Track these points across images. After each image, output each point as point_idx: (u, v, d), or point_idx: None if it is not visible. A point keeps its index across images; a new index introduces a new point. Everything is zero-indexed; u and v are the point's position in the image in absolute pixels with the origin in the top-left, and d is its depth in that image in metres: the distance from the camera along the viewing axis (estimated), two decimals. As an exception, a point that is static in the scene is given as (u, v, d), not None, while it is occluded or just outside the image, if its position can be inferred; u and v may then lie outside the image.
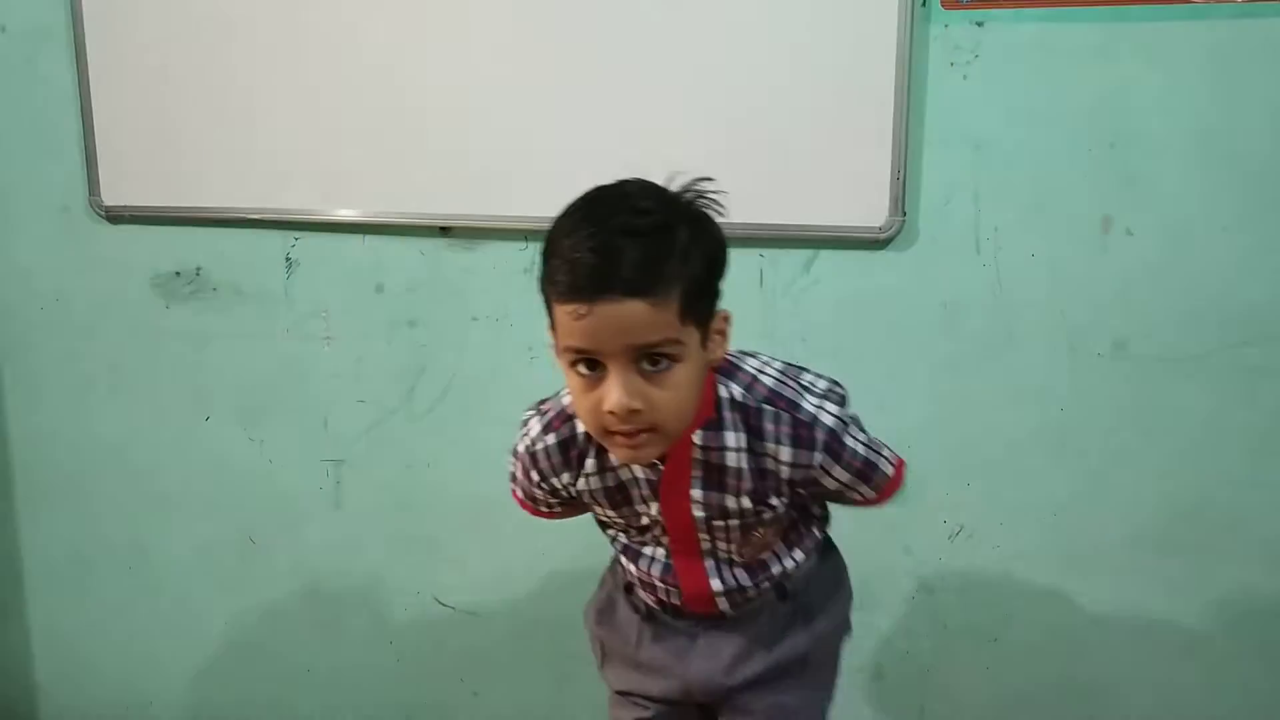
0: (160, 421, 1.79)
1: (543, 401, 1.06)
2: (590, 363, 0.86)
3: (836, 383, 1.01)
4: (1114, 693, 1.48)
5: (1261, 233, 1.31)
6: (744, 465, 0.97)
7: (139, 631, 1.89)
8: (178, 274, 1.73)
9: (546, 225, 1.54)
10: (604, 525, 1.09)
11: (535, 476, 1.04)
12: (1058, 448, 1.43)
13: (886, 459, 1.03)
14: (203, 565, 1.83)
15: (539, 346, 1.59)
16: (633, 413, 0.85)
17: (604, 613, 1.16)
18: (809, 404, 0.96)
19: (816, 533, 1.10)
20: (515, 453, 1.06)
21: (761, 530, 1.02)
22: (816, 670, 1.12)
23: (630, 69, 1.45)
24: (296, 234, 1.66)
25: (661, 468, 0.97)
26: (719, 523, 1.00)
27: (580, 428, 0.99)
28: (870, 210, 1.39)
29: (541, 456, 1.02)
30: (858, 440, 1.00)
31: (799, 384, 0.98)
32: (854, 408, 1.03)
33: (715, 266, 0.91)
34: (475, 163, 1.53)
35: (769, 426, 0.96)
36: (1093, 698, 1.48)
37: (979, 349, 1.42)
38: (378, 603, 1.76)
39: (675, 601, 1.07)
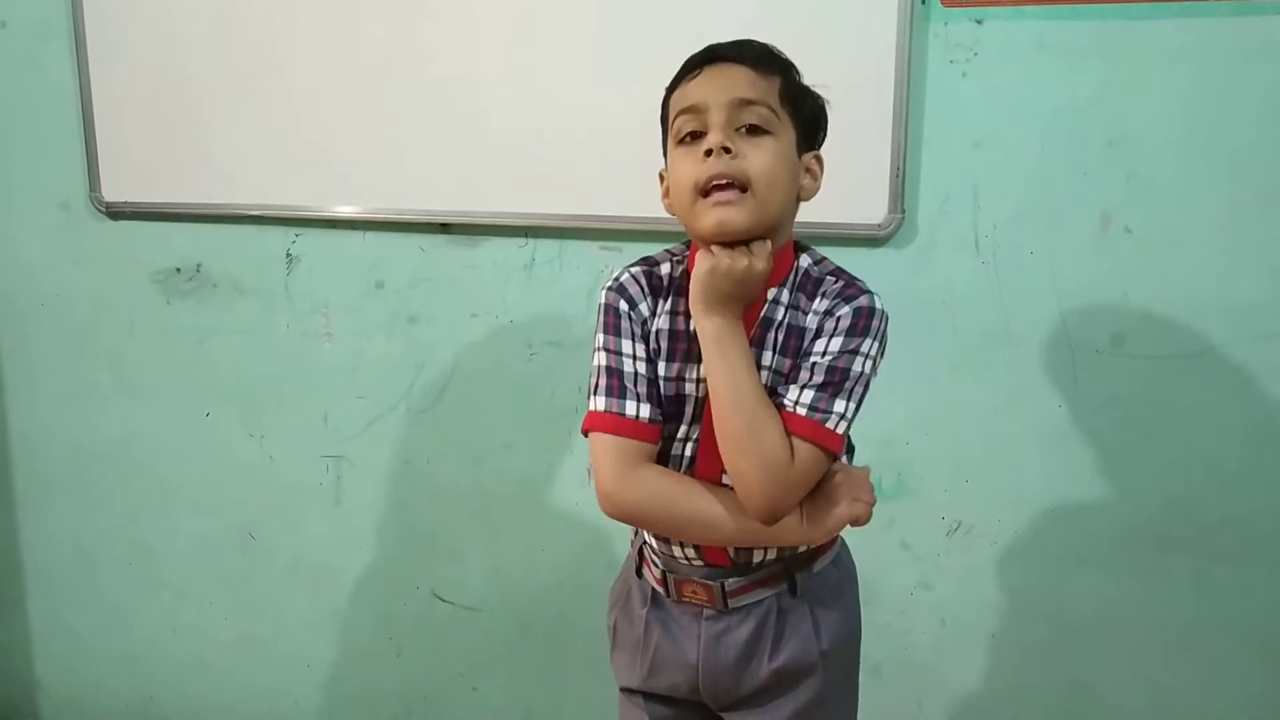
0: (161, 417, 1.79)
1: None
2: (695, 134, 0.97)
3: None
4: (1112, 689, 1.48)
5: (1259, 230, 1.31)
6: (788, 321, 1.00)
7: (139, 627, 1.90)
8: (178, 270, 1.73)
9: (546, 221, 1.56)
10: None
11: (624, 306, 1.02)
12: (1056, 445, 1.43)
13: (841, 408, 0.97)
14: (203, 561, 1.83)
15: (539, 343, 1.60)
16: (726, 153, 0.94)
17: (620, 597, 1.16)
18: (869, 291, 1.01)
19: None
20: (602, 306, 1.03)
21: None
22: (818, 690, 1.09)
23: (630, 65, 1.45)
24: (297, 230, 1.66)
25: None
26: None
27: (663, 267, 1.05)
28: (869, 207, 1.40)
29: (629, 282, 1.03)
30: (869, 353, 0.98)
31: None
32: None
33: (815, 102, 1.03)
34: (476, 159, 1.54)
35: (824, 288, 1.01)
36: (1090, 694, 1.49)
37: (977, 346, 1.43)
38: (377, 598, 1.77)
39: (688, 552, 1.04)
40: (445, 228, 1.60)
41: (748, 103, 0.96)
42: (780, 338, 1.00)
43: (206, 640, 1.87)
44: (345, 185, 1.60)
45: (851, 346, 0.97)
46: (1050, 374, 1.41)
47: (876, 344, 0.99)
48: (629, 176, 1.49)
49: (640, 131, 1.45)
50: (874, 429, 1.47)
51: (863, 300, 0.99)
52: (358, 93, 1.56)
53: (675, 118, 0.99)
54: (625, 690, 1.15)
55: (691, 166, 0.96)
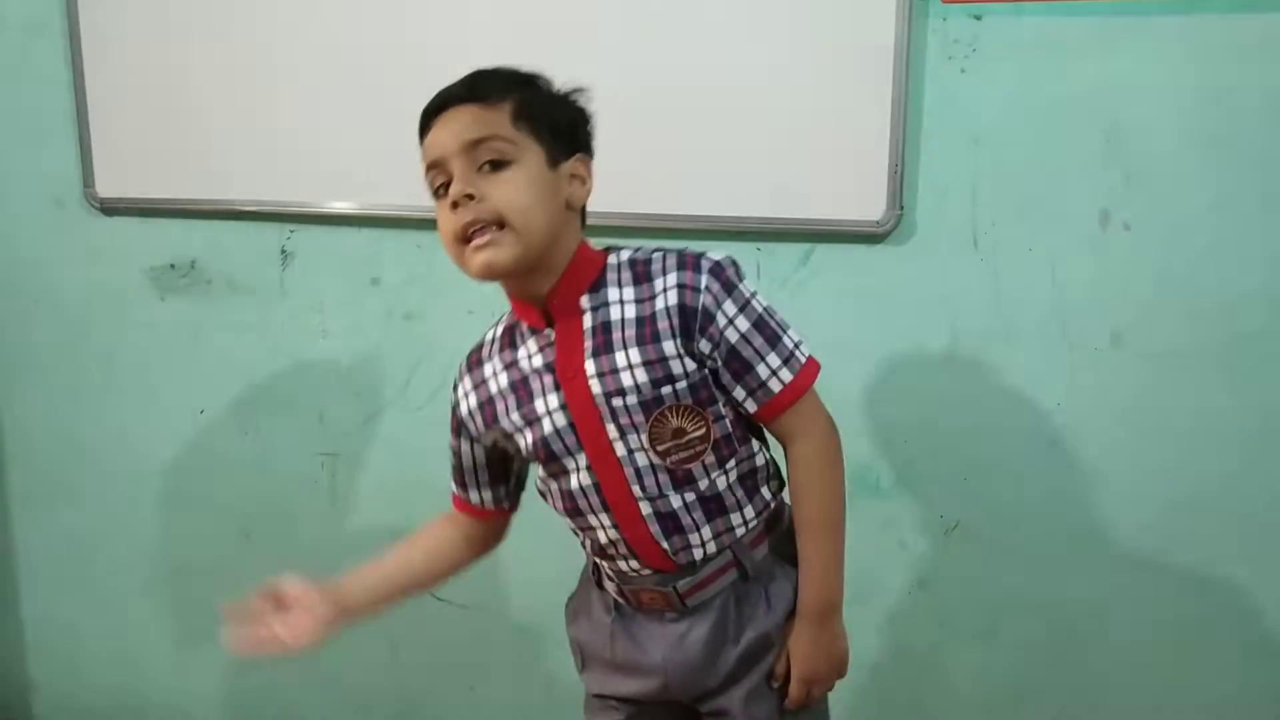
0: (155, 415, 1.78)
1: None
2: (445, 186, 0.98)
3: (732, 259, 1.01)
4: (1110, 689, 1.47)
5: (1259, 227, 1.31)
6: (628, 315, 0.98)
7: (133, 626, 1.89)
8: (172, 266, 1.72)
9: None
10: (539, 473, 1.09)
11: (453, 399, 1.11)
12: (1054, 442, 1.42)
13: (792, 339, 1.00)
14: (197, 558, 1.82)
15: (535, 340, 1.59)
16: (469, 199, 0.95)
17: (579, 612, 1.16)
18: (702, 252, 1.00)
19: (767, 494, 1.06)
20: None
21: (676, 421, 0.98)
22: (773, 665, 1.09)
23: (627, 62, 1.44)
24: (292, 226, 1.65)
25: (553, 336, 1.00)
26: (618, 402, 0.97)
27: (490, 334, 1.10)
28: (868, 204, 1.39)
29: (458, 372, 1.11)
30: (753, 295, 0.99)
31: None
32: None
33: (564, 108, 1.02)
34: (472, 155, 1.53)
35: (656, 266, 0.99)
36: (1089, 694, 1.48)
37: (976, 343, 1.42)
38: (373, 597, 1.76)
39: (633, 565, 1.04)
40: (441, 224, 1.59)
41: (478, 141, 0.96)
42: (630, 334, 0.98)
43: (200, 640, 1.85)
44: (341, 181, 1.59)
45: (741, 301, 0.98)
46: (1049, 372, 1.41)
47: (748, 283, 1.00)
48: (626, 173, 1.48)
49: (636, 126, 1.46)
50: (872, 427, 1.47)
51: (704, 260, 0.98)
52: (353, 88, 1.55)
53: (426, 173, 1.01)
54: (597, 696, 1.15)
55: (447, 219, 0.97)
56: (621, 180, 1.48)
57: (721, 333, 0.97)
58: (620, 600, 1.10)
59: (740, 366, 0.99)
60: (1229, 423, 1.37)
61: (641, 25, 1.43)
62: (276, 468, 1.75)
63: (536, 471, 1.09)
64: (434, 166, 1.00)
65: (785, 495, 1.08)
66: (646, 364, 0.97)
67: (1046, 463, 1.43)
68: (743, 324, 0.98)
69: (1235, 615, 1.41)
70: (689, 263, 0.98)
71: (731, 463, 1.02)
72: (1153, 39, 1.30)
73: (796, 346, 1.00)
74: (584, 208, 1.05)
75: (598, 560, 1.10)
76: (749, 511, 1.04)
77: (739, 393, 1.00)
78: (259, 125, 1.61)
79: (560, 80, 1.05)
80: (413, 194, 1.56)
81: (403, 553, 1.20)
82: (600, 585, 1.13)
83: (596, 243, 1.06)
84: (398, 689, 1.79)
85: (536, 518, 1.65)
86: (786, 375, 0.99)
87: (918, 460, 1.48)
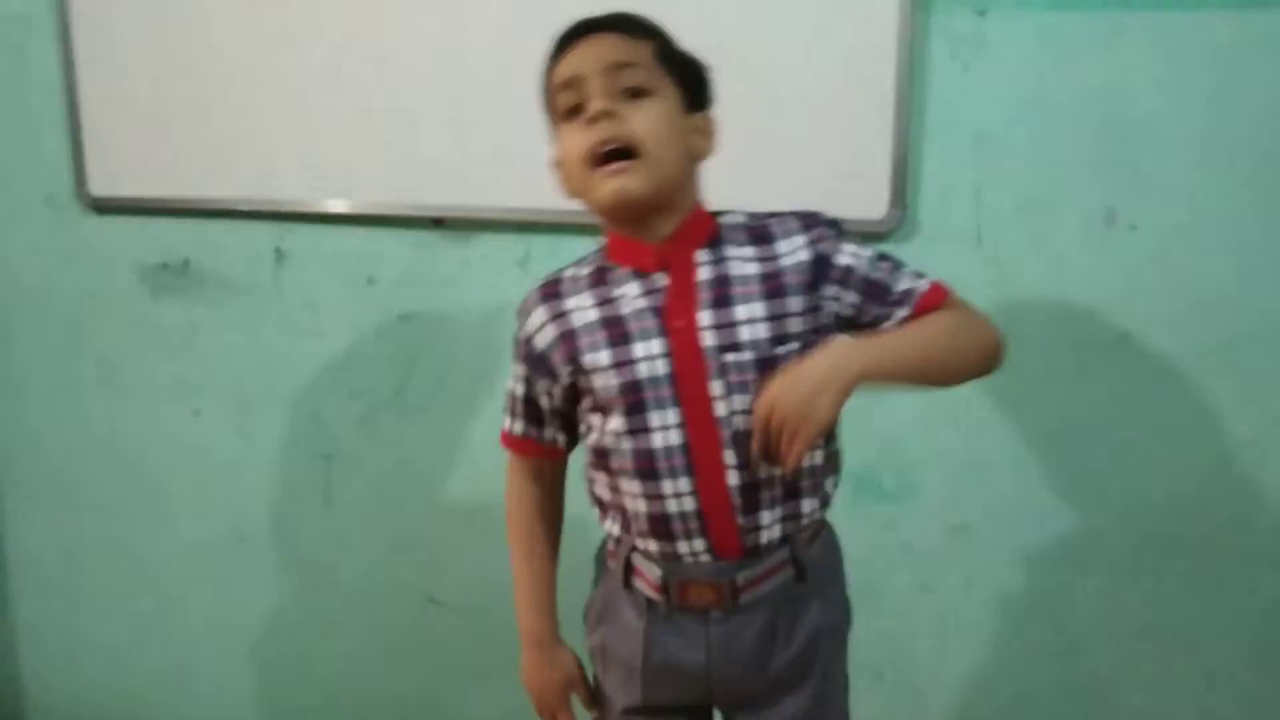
0: (148, 415, 1.77)
1: None
2: (577, 109, 0.97)
3: None
4: (1114, 692, 1.47)
5: (1267, 227, 1.30)
6: (750, 271, 0.98)
7: (127, 629, 1.88)
8: (165, 266, 1.71)
9: (541, 217, 1.54)
10: (601, 411, 1.02)
11: (516, 325, 1.07)
12: (1058, 445, 1.41)
13: (918, 272, 1.03)
14: (192, 561, 1.82)
15: (533, 341, 1.58)
16: (607, 115, 0.94)
17: (603, 617, 1.09)
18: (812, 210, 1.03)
19: (829, 487, 1.05)
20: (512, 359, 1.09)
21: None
22: (828, 673, 1.07)
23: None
24: (287, 226, 1.64)
25: (665, 284, 0.98)
26: (730, 357, 0.96)
27: (568, 272, 1.06)
28: (870, 202, 1.38)
29: (526, 299, 1.07)
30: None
31: None
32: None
33: (695, 65, 1.03)
34: (469, 154, 1.52)
35: (775, 229, 1.01)
36: (1092, 697, 1.48)
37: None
38: (369, 599, 1.75)
39: (695, 545, 0.99)
40: (438, 223, 1.58)
41: (624, 65, 0.96)
42: (754, 289, 0.98)
43: (195, 643, 1.85)
44: (336, 180, 1.58)
45: (854, 245, 1.01)
46: (1053, 373, 1.40)
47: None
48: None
49: (637, 125, 1.45)
50: (875, 429, 1.46)
51: (822, 215, 1.02)
52: (348, 86, 1.54)
53: (555, 96, 1.00)
54: (625, 712, 1.09)
55: (579, 138, 0.97)
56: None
57: (850, 269, 0.99)
58: (656, 599, 1.04)
59: (877, 289, 1.00)
60: (1231, 423, 1.36)
61: (641, 22, 1.42)
62: (271, 469, 1.74)
63: (593, 436, 1.04)
64: (569, 86, 0.98)
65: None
66: (769, 319, 0.97)
67: (1050, 465, 1.42)
68: (866, 253, 1.01)
69: (1235, 616, 1.40)
70: (811, 218, 1.01)
71: (821, 440, 1.00)
72: (1159, 35, 1.29)
73: (918, 273, 1.02)
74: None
75: (643, 544, 1.03)
76: (815, 502, 1.03)
77: (882, 310, 1.00)
78: (253, 123, 1.59)
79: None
80: (409, 193, 1.57)
81: (544, 565, 1.15)
82: (629, 585, 1.06)
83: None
84: (395, 693, 1.78)
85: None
86: (924, 285, 1.01)
87: (921, 463, 1.47)
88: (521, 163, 1.49)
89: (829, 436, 1.04)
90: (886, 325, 1.00)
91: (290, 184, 1.60)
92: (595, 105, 0.95)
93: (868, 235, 1.39)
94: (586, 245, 1.52)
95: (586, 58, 0.97)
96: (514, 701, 1.72)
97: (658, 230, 1.00)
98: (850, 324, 1.01)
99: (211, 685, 1.86)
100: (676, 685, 1.05)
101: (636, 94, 0.96)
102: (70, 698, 1.94)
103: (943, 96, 1.36)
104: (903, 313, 1.00)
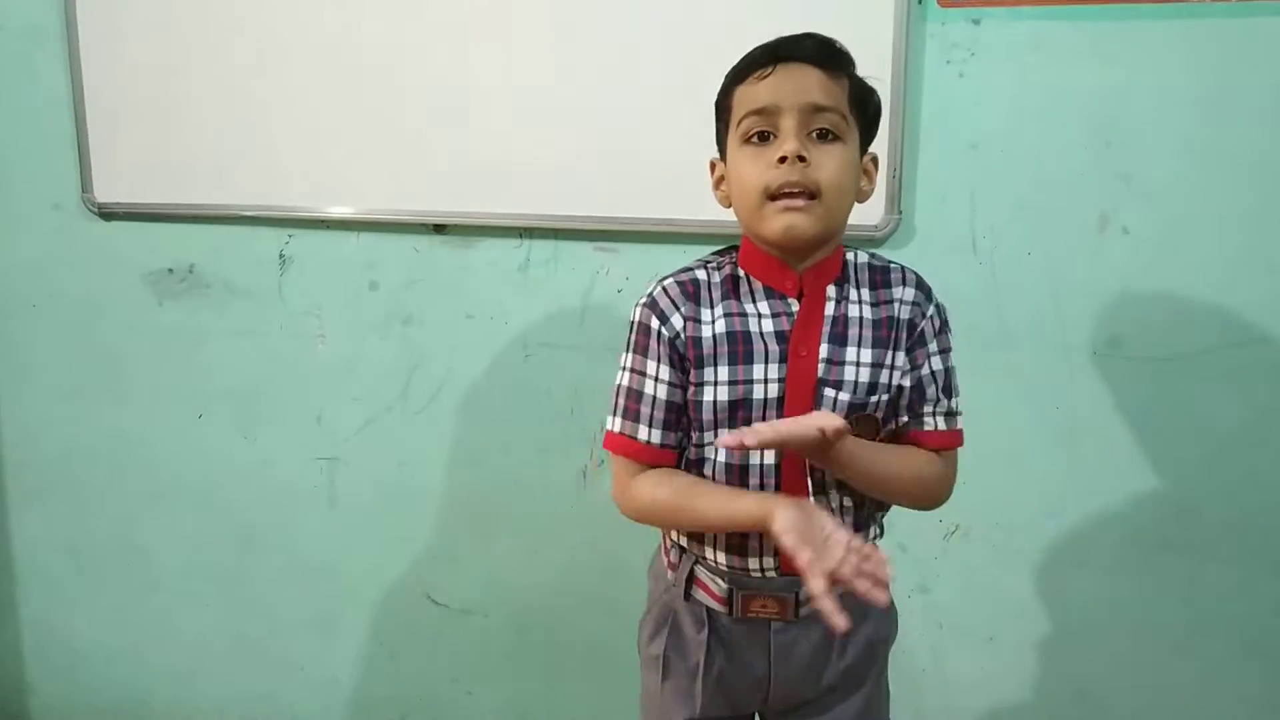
0: (153, 419, 1.78)
1: None
2: (763, 135, 0.96)
3: None
4: (1110, 692, 1.47)
5: (1257, 231, 1.31)
6: (866, 315, 1.00)
7: (132, 629, 1.88)
8: (170, 271, 1.72)
9: (541, 222, 1.56)
10: (700, 438, 1.01)
11: (655, 323, 1.00)
12: (1053, 447, 1.42)
13: (957, 408, 1.04)
14: (196, 563, 1.82)
15: (534, 344, 1.59)
16: (800, 161, 0.93)
17: (660, 627, 1.10)
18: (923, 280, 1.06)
19: (875, 530, 1.08)
20: (633, 324, 1.03)
21: (861, 430, 0.98)
22: (878, 682, 1.11)
23: (625, 65, 1.44)
24: (290, 231, 1.65)
25: (796, 308, 1.00)
26: (830, 393, 0.98)
27: (700, 274, 1.03)
28: (866, 208, 1.35)
29: (660, 296, 1.02)
30: (952, 350, 1.05)
31: None
32: None
33: (875, 100, 1.02)
34: (470, 160, 1.53)
35: (895, 277, 1.03)
36: (1088, 697, 1.48)
37: (974, 347, 1.41)
38: (371, 600, 1.76)
39: (767, 562, 1.01)
40: (439, 228, 1.59)
41: (821, 109, 0.95)
42: (866, 333, 1.00)
43: (199, 643, 1.85)
44: (338, 186, 1.59)
45: (946, 345, 1.04)
46: (1047, 375, 1.41)
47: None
48: (624, 177, 1.48)
49: (635, 130, 1.46)
50: (871, 431, 1.47)
51: (935, 295, 1.04)
52: (351, 93, 1.55)
53: (743, 117, 0.97)
54: None
55: (761, 170, 0.95)
56: (619, 183, 1.49)
57: (926, 359, 1.02)
58: (717, 610, 1.06)
59: (918, 397, 1.02)
60: (1227, 427, 1.36)
61: (639, 30, 1.43)
62: (275, 472, 1.75)
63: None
64: (760, 113, 0.96)
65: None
66: (872, 365, 0.99)
67: (1045, 467, 1.43)
68: (939, 364, 1.02)
69: (1233, 616, 1.41)
70: (925, 288, 1.03)
71: (871, 517, 1.06)
72: (1151, 42, 1.30)
73: (957, 411, 1.04)
74: None
75: (712, 557, 1.04)
76: (876, 529, 1.07)
77: (904, 403, 1.02)
78: (257, 130, 1.60)
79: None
80: (411, 198, 1.58)
81: (720, 487, 1.03)
82: (689, 597, 1.07)
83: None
84: (396, 693, 1.79)
85: (534, 522, 1.65)
86: (943, 425, 1.03)
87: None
88: (521, 169, 1.52)
89: None
90: (889, 419, 1.02)
91: (294, 190, 1.61)
92: (789, 147, 0.94)
93: (864, 240, 1.41)
94: (583, 249, 1.54)
95: (785, 92, 0.95)
96: (515, 702, 1.74)
97: (807, 260, 1.00)
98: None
99: (215, 685, 1.87)
100: (735, 693, 1.08)
101: (825, 136, 0.96)
102: (75, 697, 1.95)
103: (938, 103, 1.37)
104: (910, 424, 1.03)
